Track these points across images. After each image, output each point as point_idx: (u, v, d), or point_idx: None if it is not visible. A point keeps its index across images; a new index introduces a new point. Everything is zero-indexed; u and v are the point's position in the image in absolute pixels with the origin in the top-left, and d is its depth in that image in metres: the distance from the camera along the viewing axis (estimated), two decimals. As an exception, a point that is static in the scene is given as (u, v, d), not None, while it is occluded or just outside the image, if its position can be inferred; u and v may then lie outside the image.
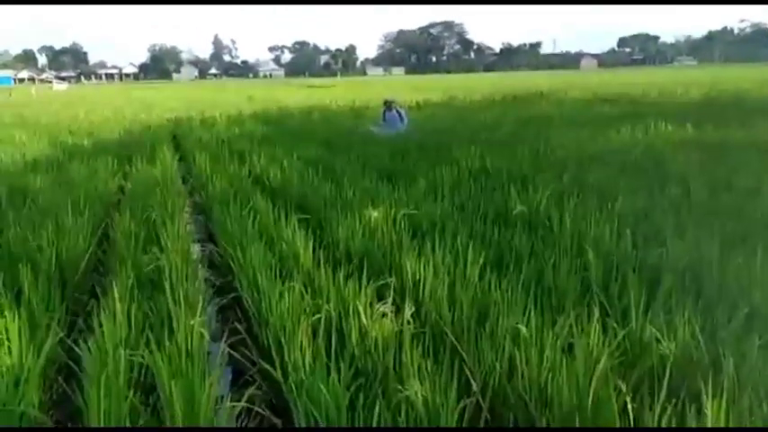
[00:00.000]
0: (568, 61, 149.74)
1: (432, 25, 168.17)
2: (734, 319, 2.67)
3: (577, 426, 2.16)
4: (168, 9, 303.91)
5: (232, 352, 2.87)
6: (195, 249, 3.88)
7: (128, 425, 2.22)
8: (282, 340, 2.69)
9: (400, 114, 11.43)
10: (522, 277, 3.50)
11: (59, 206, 4.94)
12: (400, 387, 2.12)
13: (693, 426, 2.08)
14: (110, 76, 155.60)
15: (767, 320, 2.75)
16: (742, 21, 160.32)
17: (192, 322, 2.71)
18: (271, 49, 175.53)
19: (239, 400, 2.43)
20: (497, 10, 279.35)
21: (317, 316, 2.80)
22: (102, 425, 2.16)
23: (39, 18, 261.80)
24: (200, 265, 3.93)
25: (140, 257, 3.66)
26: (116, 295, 2.89)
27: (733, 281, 3.24)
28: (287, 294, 2.95)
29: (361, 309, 2.56)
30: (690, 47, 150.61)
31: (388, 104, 11.62)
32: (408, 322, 2.62)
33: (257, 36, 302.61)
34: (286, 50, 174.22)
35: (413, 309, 2.74)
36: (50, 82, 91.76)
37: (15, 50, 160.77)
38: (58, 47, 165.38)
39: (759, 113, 11.71)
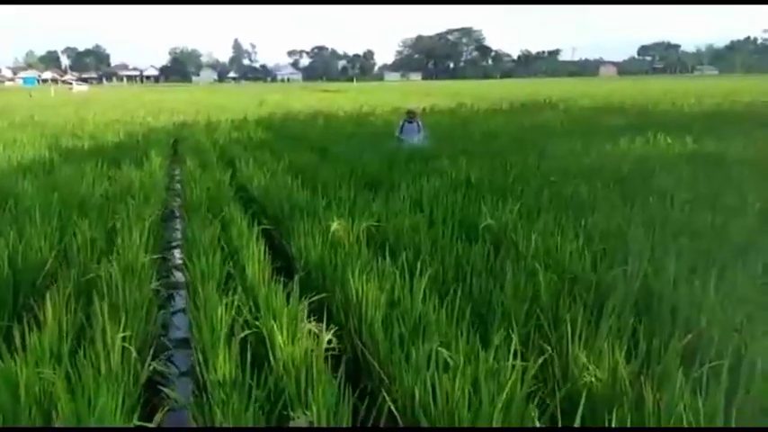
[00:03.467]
0: (587, 69, 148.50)
1: (450, 31, 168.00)
2: (669, 349, 2.56)
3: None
4: (190, 13, 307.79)
5: (159, 367, 2.83)
6: (146, 258, 3.84)
7: None
8: (208, 356, 2.65)
9: (419, 126, 10.83)
10: (471, 296, 3.43)
11: (30, 211, 4.95)
12: (295, 414, 2.06)
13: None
14: (131, 78, 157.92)
15: (706, 352, 2.63)
16: (765, 30, 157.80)
17: (119, 335, 2.68)
18: (289, 54, 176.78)
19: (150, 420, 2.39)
20: (516, 15, 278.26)
21: (246, 332, 2.75)
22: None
23: (63, 20, 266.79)
24: (153, 274, 3.90)
25: (90, 265, 3.65)
26: (48, 305, 2.86)
27: (684, 307, 3.13)
28: (221, 309, 2.91)
29: (275, 327, 2.50)
30: (711, 56, 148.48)
31: (410, 115, 10.93)
32: (330, 342, 2.56)
33: (276, 40, 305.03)
34: (304, 55, 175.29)
35: (335, 329, 2.66)
36: (71, 83, 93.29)
37: (40, 52, 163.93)
38: (81, 48, 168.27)
39: (766, 127, 11.46)
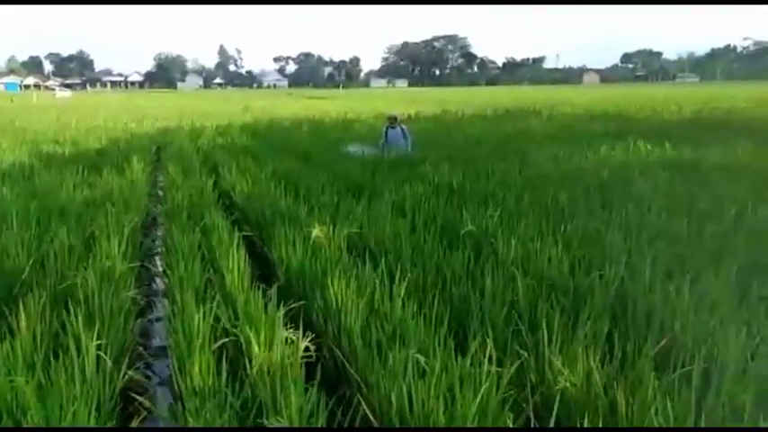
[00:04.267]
0: (571, 76, 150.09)
1: (435, 38, 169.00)
2: (642, 354, 2.59)
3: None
4: (175, 19, 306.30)
5: (135, 376, 2.81)
6: (124, 266, 3.81)
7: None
8: (184, 364, 2.63)
9: (404, 132, 10.70)
10: (450, 302, 3.45)
11: (7, 217, 4.89)
12: (270, 421, 2.06)
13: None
14: (115, 84, 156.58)
15: (679, 356, 2.67)
16: (745, 38, 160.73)
17: (93, 343, 2.66)
18: (275, 60, 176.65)
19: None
20: (502, 22, 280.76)
21: (223, 341, 2.74)
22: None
23: (47, 25, 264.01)
24: (131, 282, 3.87)
25: (67, 273, 3.62)
26: (21, 313, 2.83)
27: (659, 312, 3.18)
28: (197, 317, 2.89)
29: (251, 335, 2.50)
30: (693, 64, 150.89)
31: (391, 121, 10.85)
32: (308, 349, 2.56)
33: (262, 46, 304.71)
34: (291, 61, 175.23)
35: (313, 336, 2.67)
36: (53, 89, 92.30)
37: (22, 57, 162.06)
38: (64, 54, 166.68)
39: (745, 133, 11.65)
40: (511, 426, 2.17)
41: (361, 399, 2.45)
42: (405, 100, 40.80)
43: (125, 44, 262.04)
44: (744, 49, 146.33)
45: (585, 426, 2.13)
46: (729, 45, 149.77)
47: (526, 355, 2.74)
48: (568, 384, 2.41)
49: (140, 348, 3.52)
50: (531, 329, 3.08)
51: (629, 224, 5.00)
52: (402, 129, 10.74)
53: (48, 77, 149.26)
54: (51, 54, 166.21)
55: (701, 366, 2.59)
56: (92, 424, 2.24)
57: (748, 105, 23.09)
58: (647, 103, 25.82)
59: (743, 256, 4.05)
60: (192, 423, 2.05)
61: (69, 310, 3.17)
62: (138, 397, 2.49)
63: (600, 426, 2.15)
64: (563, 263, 3.91)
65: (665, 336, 2.90)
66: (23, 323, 2.82)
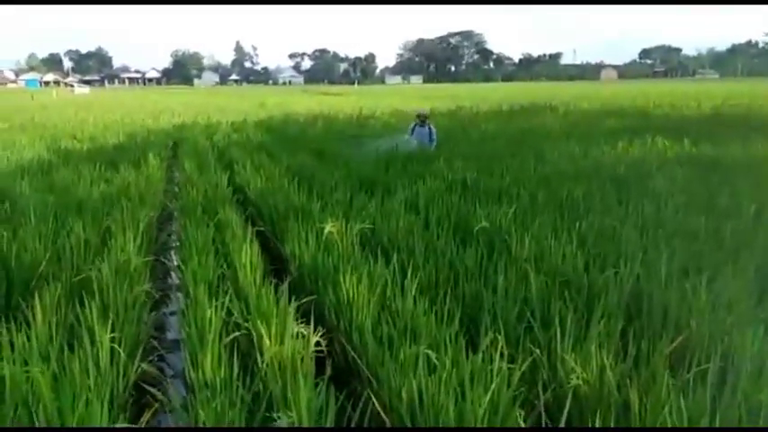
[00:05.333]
0: (589, 72, 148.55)
1: (451, 35, 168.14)
2: (656, 352, 2.55)
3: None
4: (192, 15, 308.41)
5: (148, 368, 2.84)
6: (139, 260, 3.85)
7: None
8: (198, 357, 2.65)
9: (431, 132, 10.37)
10: (462, 299, 3.43)
11: (25, 212, 4.96)
12: (279, 414, 2.06)
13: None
14: (132, 81, 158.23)
15: (695, 355, 2.63)
16: (766, 34, 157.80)
17: (107, 335, 2.69)
18: (291, 56, 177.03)
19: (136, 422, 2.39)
20: (518, 18, 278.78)
21: (234, 334, 2.76)
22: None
23: (65, 22, 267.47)
24: (146, 276, 3.91)
25: (82, 267, 3.66)
26: (37, 305, 2.87)
27: (674, 310, 3.13)
28: (209, 311, 2.91)
29: (263, 330, 2.51)
30: (712, 60, 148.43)
31: (421, 119, 10.51)
32: (319, 344, 2.56)
33: (278, 43, 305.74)
34: (306, 58, 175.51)
35: (324, 331, 2.67)
36: (72, 86, 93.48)
37: (42, 54, 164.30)
38: (83, 51, 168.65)
39: (764, 130, 11.45)
40: (522, 424, 2.15)
41: (371, 394, 2.45)
42: (420, 96, 40.69)
43: (142, 41, 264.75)
44: (765, 44, 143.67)
45: (598, 425, 2.11)
46: (750, 40, 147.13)
47: (538, 352, 2.71)
48: (581, 382, 2.39)
49: (155, 341, 3.55)
50: (544, 327, 3.05)
51: (646, 221, 4.94)
52: (430, 128, 10.44)
53: (67, 74, 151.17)
54: (70, 51, 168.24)
55: (716, 365, 2.57)
56: (104, 415, 2.26)
57: (766, 103, 22.66)
58: (666, 100, 25.48)
59: (761, 253, 3.99)
60: (202, 416, 2.06)
61: (84, 303, 3.22)
62: (150, 389, 2.51)
63: (612, 425, 2.12)
64: (577, 260, 3.87)
65: (680, 334, 2.86)
66: (39, 315, 2.86)
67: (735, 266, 3.64)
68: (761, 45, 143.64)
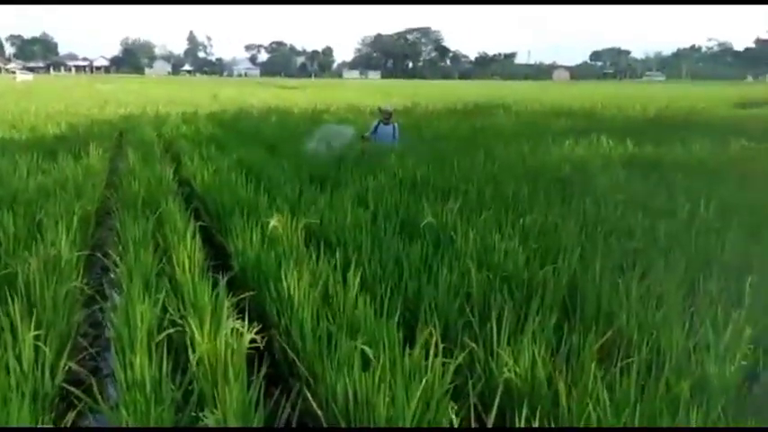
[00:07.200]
0: (542, 72, 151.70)
1: (409, 31, 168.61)
2: (586, 346, 2.63)
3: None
4: (144, 3, 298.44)
5: (75, 367, 2.73)
6: (71, 254, 3.70)
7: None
8: (126, 355, 2.57)
9: (395, 130, 9.66)
10: (405, 293, 3.45)
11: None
12: (205, 414, 2.02)
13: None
14: (79, 69, 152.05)
15: (623, 350, 2.73)
16: (710, 39, 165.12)
17: (30, 333, 2.57)
18: (247, 48, 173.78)
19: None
20: (475, 17, 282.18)
21: (167, 332, 2.68)
22: None
23: (8, 5, 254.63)
24: (80, 271, 3.77)
25: (9, 262, 3.49)
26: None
27: (606, 305, 3.24)
28: (140, 308, 2.82)
29: (194, 325, 2.45)
30: (659, 63, 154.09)
31: (386, 117, 9.71)
32: (257, 340, 2.52)
33: (234, 34, 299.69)
34: (262, 50, 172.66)
35: (261, 326, 2.63)
36: (14, 72, 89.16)
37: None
38: (27, 36, 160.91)
39: (702, 132, 11.95)
40: (454, 417, 2.17)
41: (307, 392, 2.43)
42: (375, 92, 40.66)
43: (91, 28, 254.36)
44: (708, 49, 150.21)
45: (525, 416, 2.15)
46: (694, 45, 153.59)
47: (475, 346, 2.75)
48: (513, 375, 2.44)
49: (87, 339, 3.43)
50: (483, 321, 3.10)
51: (587, 218, 5.08)
52: (394, 126, 9.71)
53: (9, 60, 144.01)
54: (12, 36, 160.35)
55: (643, 358, 2.67)
56: (26, 414, 2.17)
57: (708, 105, 23.71)
58: (613, 101, 26.28)
59: (692, 251, 4.17)
60: (126, 416, 2.00)
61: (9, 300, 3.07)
62: (74, 390, 2.42)
63: (538, 416, 2.17)
64: (519, 255, 3.95)
65: (610, 328, 2.95)
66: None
67: (666, 263, 3.79)
68: (704, 50, 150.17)
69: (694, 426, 2.13)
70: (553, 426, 2.24)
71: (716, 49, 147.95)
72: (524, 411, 2.11)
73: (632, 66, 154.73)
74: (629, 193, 6.00)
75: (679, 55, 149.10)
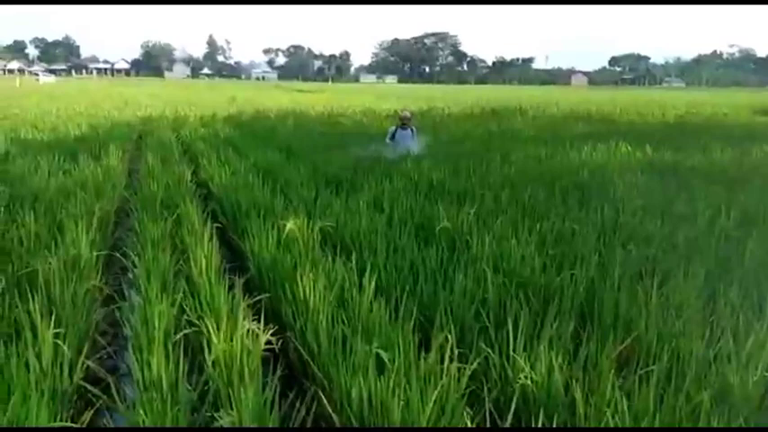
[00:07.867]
0: (560, 77, 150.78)
1: (426, 36, 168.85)
2: (604, 353, 2.59)
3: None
4: (164, 6, 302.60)
5: (93, 365, 2.76)
6: (91, 254, 3.75)
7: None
8: (143, 355, 2.59)
9: (413, 133, 9.80)
10: (420, 298, 3.44)
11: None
12: (220, 414, 2.03)
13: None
14: (101, 71, 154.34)
15: (642, 358, 2.69)
16: (731, 45, 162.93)
17: (50, 331, 2.61)
18: (265, 52, 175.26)
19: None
20: (492, 21, 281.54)
21: (184, 332, 2.70)
22: None
23: (31, 9, 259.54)
24: (99, 271, 3.81)
25: (31, 260, 3.54)
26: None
27: (625, 312, 3.19)
28: (158, 308, 2.85)
29: (211, 326, 2.46)
30: (679, 69, 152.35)
31: (404, 122, 9.83)
32: (271, 343, 2.53)
33: (252, 38, 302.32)
34: (280, 53, 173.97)
35: (276, 328, 2.64)
36: (37, 74, 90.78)
37: (6, 41, 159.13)
38: (50, 39, 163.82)
39: (722, 140, 11.78)
40: (469, 423, 2.15)
41: (322, 394, 2.42)
42: (394, 96, 40.72)
43: (113, 31, 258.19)
44: (729, 55, 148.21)
45: (542, 424, 2.13)
46: (716, 51, 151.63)
47: (490, 351, 2.73)
48: (529, 382, 2.41)
49: (105, 338, 3.46)
50: (499, 327, 3.07)
51: (605, 224, 5.02)
52: (412, 130, 9.84)
53: (32, 62, 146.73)
54: (36, 39, 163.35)
55: (663, 366, 2.62)
56: (44, 413, 2.19)
57: (730, 112, 23.36)
58: (632, 107, 26.02)
59: (713, 258, 4.09)
60: (142, 415, 2.01)
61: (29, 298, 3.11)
62: (92, 388, 2.44)
63: (555, 425, 2.14)
64: (535, 261, 3.91)
65: (629, 335, 2.91)
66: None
67: (687, 270, 3.72)
68: (725, 56, 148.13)
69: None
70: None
71: (738, 55, 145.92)
72: (541, 418, 2.09)
73: (651, 72, 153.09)
74: (648, 198, 5.92)
75: (700, 61, 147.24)
